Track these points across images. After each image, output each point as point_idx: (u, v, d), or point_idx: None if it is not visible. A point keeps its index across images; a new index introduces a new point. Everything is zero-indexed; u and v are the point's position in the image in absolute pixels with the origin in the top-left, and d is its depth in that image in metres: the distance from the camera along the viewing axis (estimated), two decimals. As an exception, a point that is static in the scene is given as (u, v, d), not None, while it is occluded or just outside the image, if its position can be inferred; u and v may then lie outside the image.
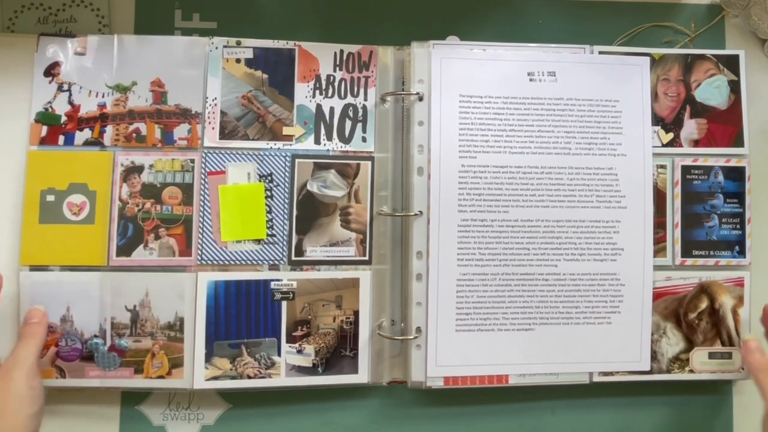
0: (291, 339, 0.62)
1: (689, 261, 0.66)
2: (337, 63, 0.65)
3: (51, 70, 0.63)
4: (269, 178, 0.63)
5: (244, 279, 0.62)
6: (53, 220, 0.62)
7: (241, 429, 0.65)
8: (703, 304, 0.66)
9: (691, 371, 0.64)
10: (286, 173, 0.64)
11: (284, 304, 0.62)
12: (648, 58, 0.66)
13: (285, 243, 0.63)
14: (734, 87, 0.67)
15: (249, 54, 0.64)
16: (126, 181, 0.63)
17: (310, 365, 0.62)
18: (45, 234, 0.61)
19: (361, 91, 0.65)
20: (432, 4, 0.70)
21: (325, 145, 0.64)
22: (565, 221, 0.63)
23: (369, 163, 0.64)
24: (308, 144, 0.64)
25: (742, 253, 0.66)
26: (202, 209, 0.62)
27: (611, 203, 0.64)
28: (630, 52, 0.67)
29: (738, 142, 0.67)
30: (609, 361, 0.63)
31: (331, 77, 0.65)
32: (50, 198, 0.62)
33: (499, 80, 0.64)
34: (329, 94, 0.65)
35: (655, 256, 0.65)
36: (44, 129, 0.62)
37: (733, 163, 0.67)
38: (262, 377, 0.62)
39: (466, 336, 0.62)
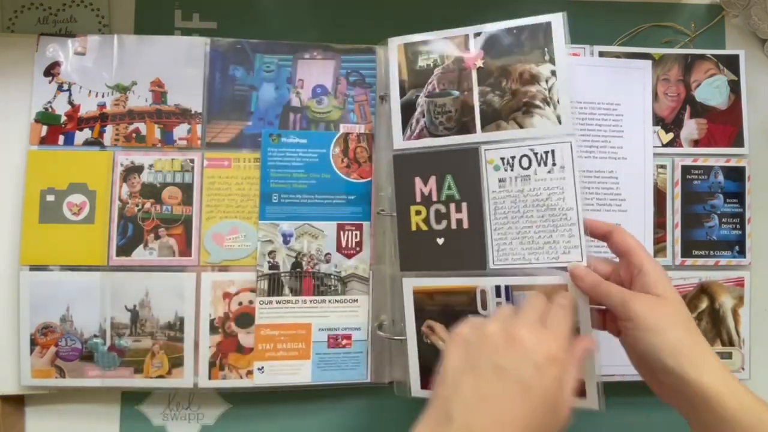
0: (291, 339, 0.63)
1: (689, 261, 0.66)
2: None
3: (51, 70, 0.63)
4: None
5: (244, 279, 0.63)
6: (53, 220, 0.62)
7: (241, 429, 0.65)
8: (703, 304, 0.66)
9: (691, 371, 0.64)
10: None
11: (284, 304, 0.63)
12: (650, 62, 0.66)
13: (285, 243, 0.63)
14: (734, 87, 0.67)
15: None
16: (126, 181, 0.63)
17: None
18: (45, 234, 0.61)
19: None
20: (432, 4, 0.70)
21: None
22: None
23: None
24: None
25: (742, 253, 0.66)
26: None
27: (612, 206, 0.64)
28: (630, 52, 0.67)
29: (738, 142, 0.67)
30: (613, 365, 0.62)
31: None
32: (50, 198, 0.62)
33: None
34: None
35: (655, 256, 0.65)
36: (44, 129, 0.62)
37: (733, 163, 0.67)
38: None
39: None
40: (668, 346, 0.46)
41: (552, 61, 0.58)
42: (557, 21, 0.58)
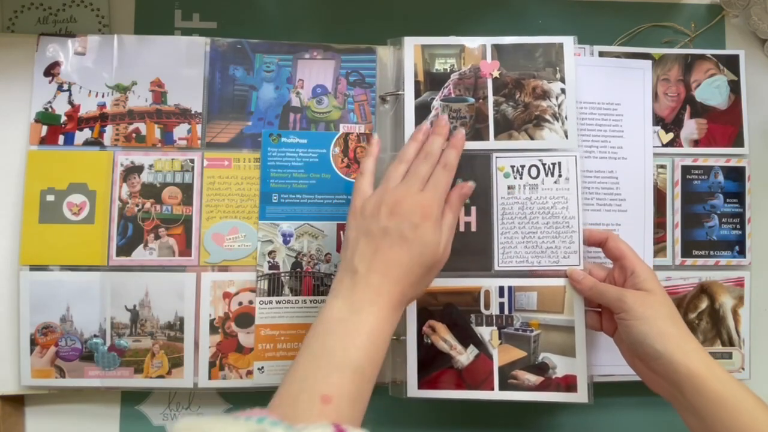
0: (291, 339, 0.63)
1: (689, 261, 0.66)
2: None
3: (51, 70, 0.63)
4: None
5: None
6: (53, 219, 0.62)
7: (241, 429, 0.65)
8: (703, 304, 0.66)
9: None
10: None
11: (284, 304, 0.63)
12: (650, 62, 0.66)
13: (285, 243, 0.63)
14: (734, 87, 0.67)
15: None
16: (126, 181, 0.63)
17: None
18: (45, 234, 0.61)
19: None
20: (432, 3, 0.70)
21: (325, 145, 0.65)
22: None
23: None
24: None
25: (742, 253, 0.66)
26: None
27: (612, 206, 0.64)
28: (630, 52, 0.67)
29: (738, 142, 0.67)
30: (613, 364, 0.63)
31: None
32: (50, 198, 0.62)
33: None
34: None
35: (655, 256, 0.65)
36: (44, 129, 0.62)
37: (733, 163, 0.67)
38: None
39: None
40: (657, 332, 0.52)
41: (562, 79, 0.62)
42: (568, 43, 0.62)
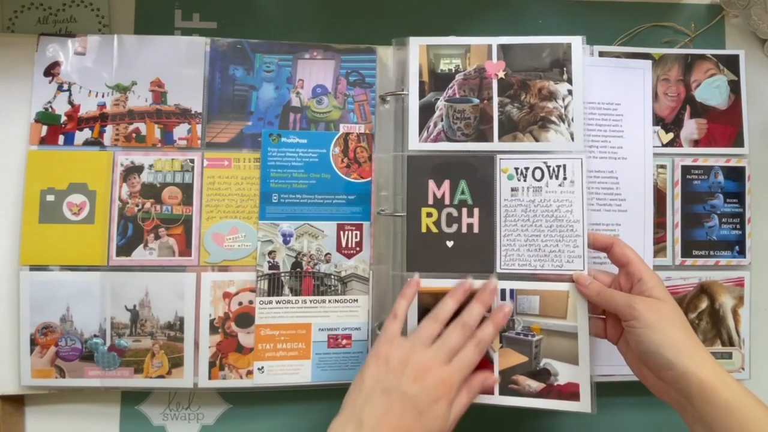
0: (291, 339, 0.63)
1: (689, 261, 0.66)
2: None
3: (51, 70, 0.63)
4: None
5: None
6: (53, 219, 0.62)
7: (241, 429, 0.65)
8: (703, 304, 0.66)
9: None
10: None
11: (284, 304, 0.63)
12: (650, 62, 0.66)
13: (285, 243, 0.63)
14: (734, 87, 0.67)
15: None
16: (126, 181, 0.63)
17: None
18: (45, 234, 0.61)
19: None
20: (432, 3, 0.70)
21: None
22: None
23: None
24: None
25: (742, 253, 0.66)
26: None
27: (612, 206, 0.64)
28: (630, 52, 0.67)
29: (738, 142, 0.67)
30: (613, 364, 0.62)
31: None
32: (50, 198, 0.62)
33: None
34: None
35: (655, 256, 0.65)
36: (44, 129, 0.62)
37: (733, 163, 0.67)
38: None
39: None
40: (669, 341, 0.51)
41: (569, 80, 0.61)
42: (577, 43, 0.61)
